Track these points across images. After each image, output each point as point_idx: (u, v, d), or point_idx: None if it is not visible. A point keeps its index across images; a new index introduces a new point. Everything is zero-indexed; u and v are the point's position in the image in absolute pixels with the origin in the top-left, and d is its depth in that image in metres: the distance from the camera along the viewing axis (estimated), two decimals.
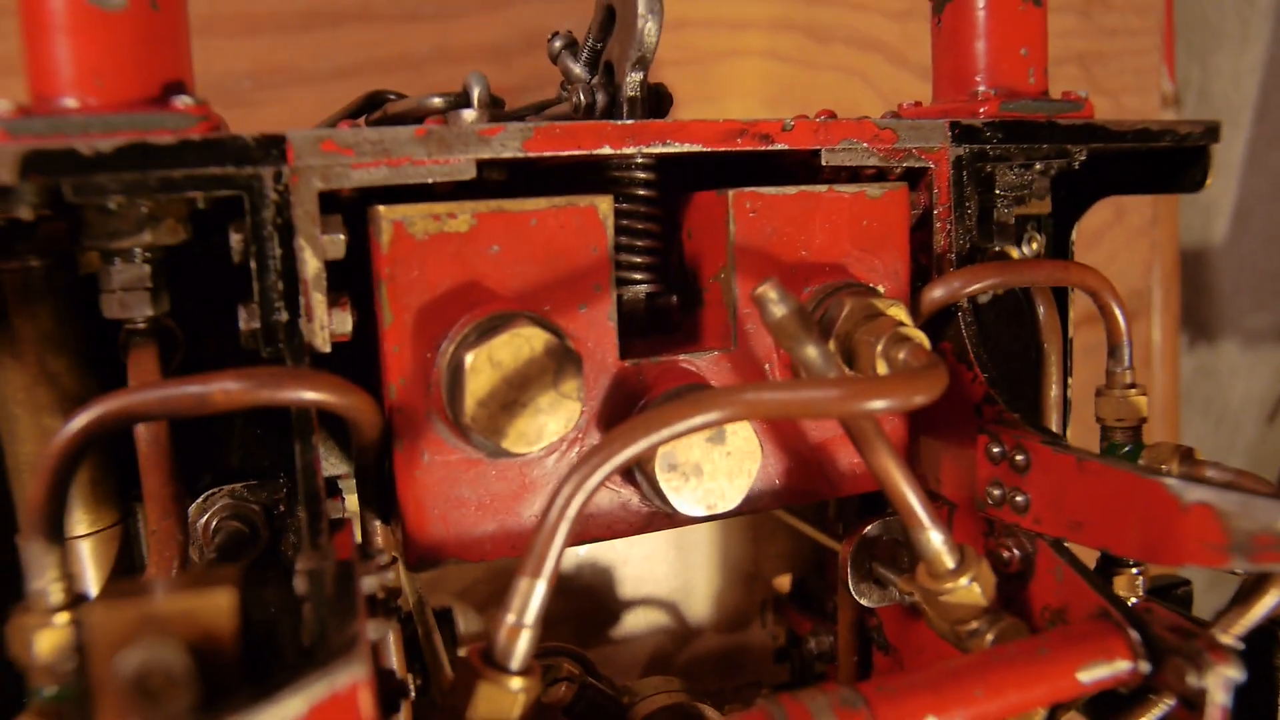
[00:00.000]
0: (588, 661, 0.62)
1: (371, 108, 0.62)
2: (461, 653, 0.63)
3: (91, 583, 0.54)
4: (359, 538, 0.53)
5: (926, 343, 0.50)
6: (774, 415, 0.42)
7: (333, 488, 0.55)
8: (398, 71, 1.08)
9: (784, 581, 0.81)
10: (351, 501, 0.55)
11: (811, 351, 0.46)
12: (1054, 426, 0.71)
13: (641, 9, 0.53)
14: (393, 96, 0.61)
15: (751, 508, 0.55)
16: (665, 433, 0.41)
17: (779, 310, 0.45)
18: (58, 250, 0.52)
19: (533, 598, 0.40)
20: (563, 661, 0.59)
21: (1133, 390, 0.61)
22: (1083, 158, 0.62)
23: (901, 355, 0.48)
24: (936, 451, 0.61)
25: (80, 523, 0.53)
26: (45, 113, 0.45)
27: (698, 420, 0.41)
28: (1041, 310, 0.73)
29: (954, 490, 0.60)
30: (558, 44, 0.60)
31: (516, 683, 0.40)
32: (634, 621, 0.75)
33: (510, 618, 0.41)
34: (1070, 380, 0.80)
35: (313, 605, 0.39)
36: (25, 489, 0.53)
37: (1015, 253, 0.74)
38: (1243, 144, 1.53)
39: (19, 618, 0.40)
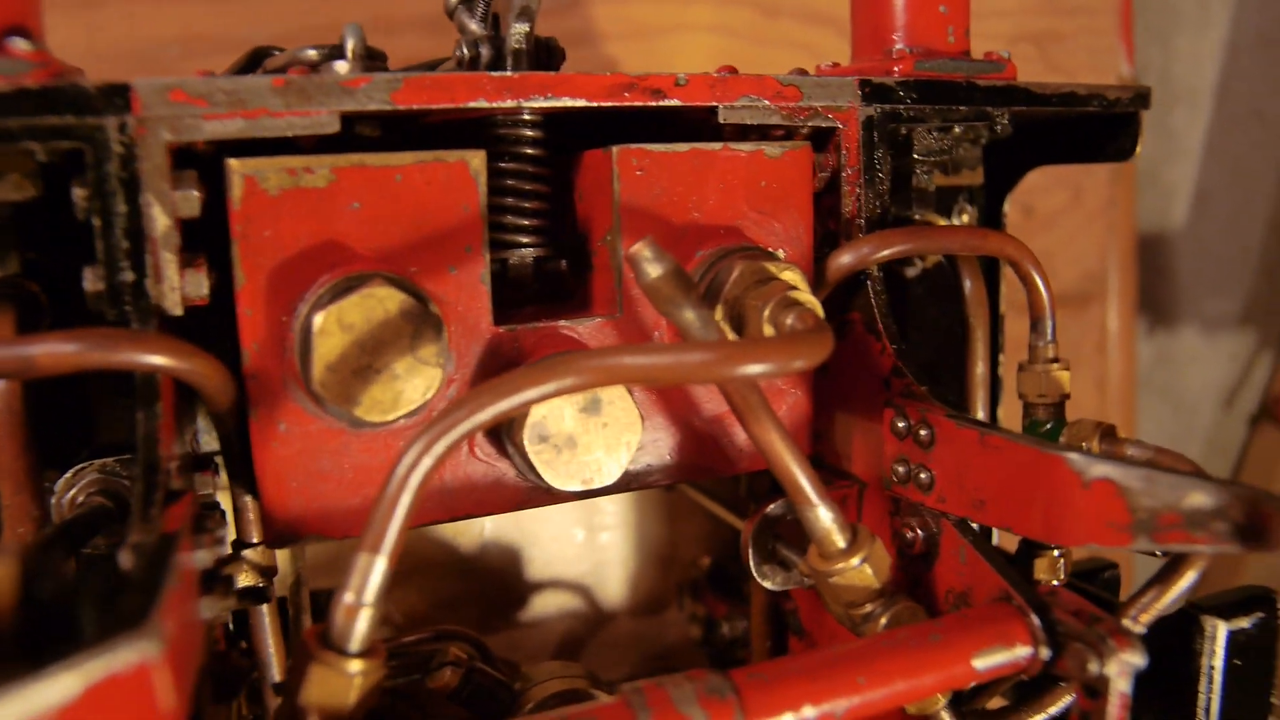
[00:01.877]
0: (481, 645, 0.59)
1: (256, 64, 0.59)
2: None
3: None
4: (232, 514, 0.50)
5: (819, 308, 0.48)
6: (640, 381, 0.39)
7: (207, 462, 0.52)
8: (332, 41, 1.05)
9: (703, 563, 0.78)
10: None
11: (689, 315, 0.43)
12: (980, 405, 0.68)
13: None
14: (276, 52, 0.58)
15: (639, 484, 0.52)
16: (516, 398, 0.38)
17: (654, 270, 0.42)
18: None
19: (372, 575, 0.38)
20: (450, 646, 0.56)
21: (1055, 365, 0.58)
22: (1005, 121, 0.59)
23: (789, 320, 0.46)
24: (848, 428, 0.59)
25: None
26: None
27: (551, 386, 0.38)
28: (968, 284, 0.70)
29: (864, 468, 0.58)
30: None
31: (354, 665, 0.38)
32: (543, 604, 0.72)
33: (348, 596, 0.38)
34: (1002, 358, 0.77)
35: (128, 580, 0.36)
36: None
37: (942, 223, 0.72)
38: (1203, 128, 1.51)
39: None
